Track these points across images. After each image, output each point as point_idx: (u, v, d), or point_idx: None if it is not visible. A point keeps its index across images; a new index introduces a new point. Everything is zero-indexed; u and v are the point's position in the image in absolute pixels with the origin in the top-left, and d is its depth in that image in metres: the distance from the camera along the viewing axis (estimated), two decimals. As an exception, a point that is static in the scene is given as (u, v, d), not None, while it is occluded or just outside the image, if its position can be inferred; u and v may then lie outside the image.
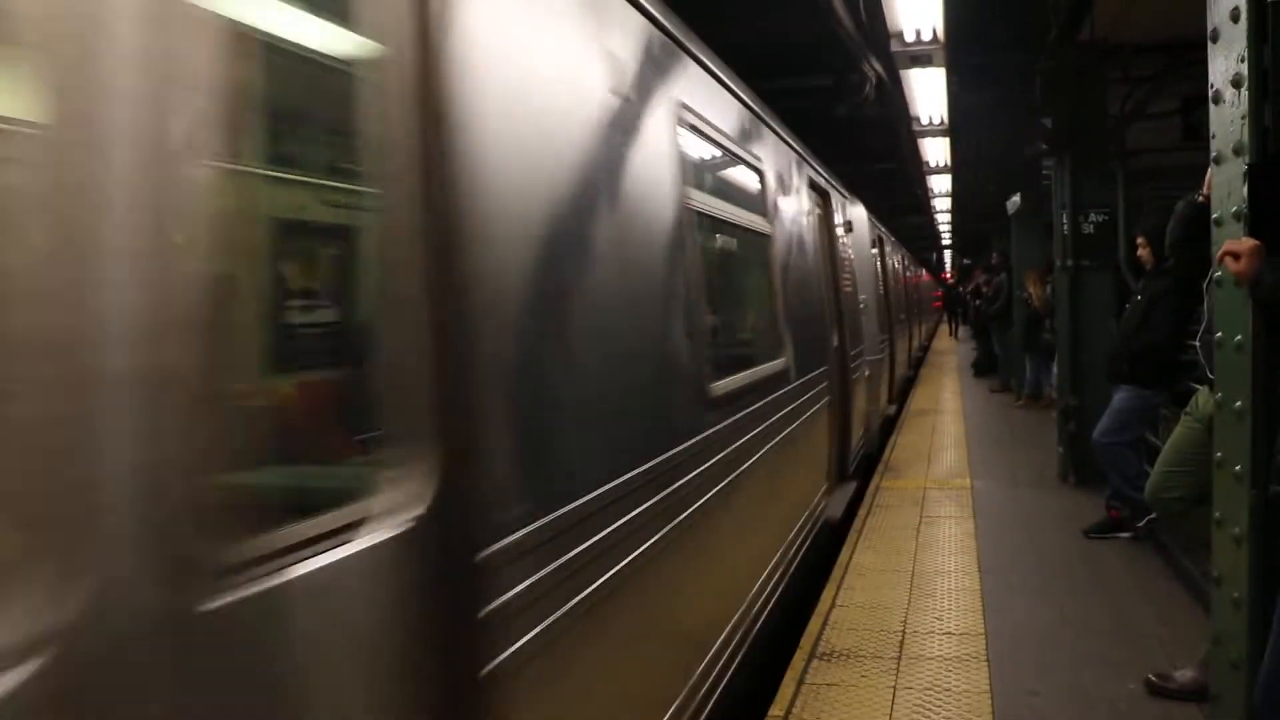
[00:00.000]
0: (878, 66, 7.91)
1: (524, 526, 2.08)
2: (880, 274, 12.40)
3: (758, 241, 5.17)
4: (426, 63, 1.84)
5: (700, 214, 3.76)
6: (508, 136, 2.15)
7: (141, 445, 1.22)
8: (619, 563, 2.61)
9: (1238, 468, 3.13)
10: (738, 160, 4.77)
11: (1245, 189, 3.07)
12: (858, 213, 9.95)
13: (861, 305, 9.11)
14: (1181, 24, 6.19)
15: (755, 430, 4.43)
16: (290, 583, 1.44)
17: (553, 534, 2.22)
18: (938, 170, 14.07)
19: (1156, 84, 8.39)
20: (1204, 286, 3.52)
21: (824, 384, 6.63)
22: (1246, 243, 2.99)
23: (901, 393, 15.05)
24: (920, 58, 6.89)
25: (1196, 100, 3.11)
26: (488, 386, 2.00)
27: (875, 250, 12.18)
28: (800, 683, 4.38)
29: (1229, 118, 3.15)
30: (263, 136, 1.57)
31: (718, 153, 4.41)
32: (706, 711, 3.45)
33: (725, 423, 3.84)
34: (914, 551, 6.39)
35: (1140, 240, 6.22)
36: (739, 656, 4.02)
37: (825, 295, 7.19)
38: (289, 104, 1.86)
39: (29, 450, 1.10)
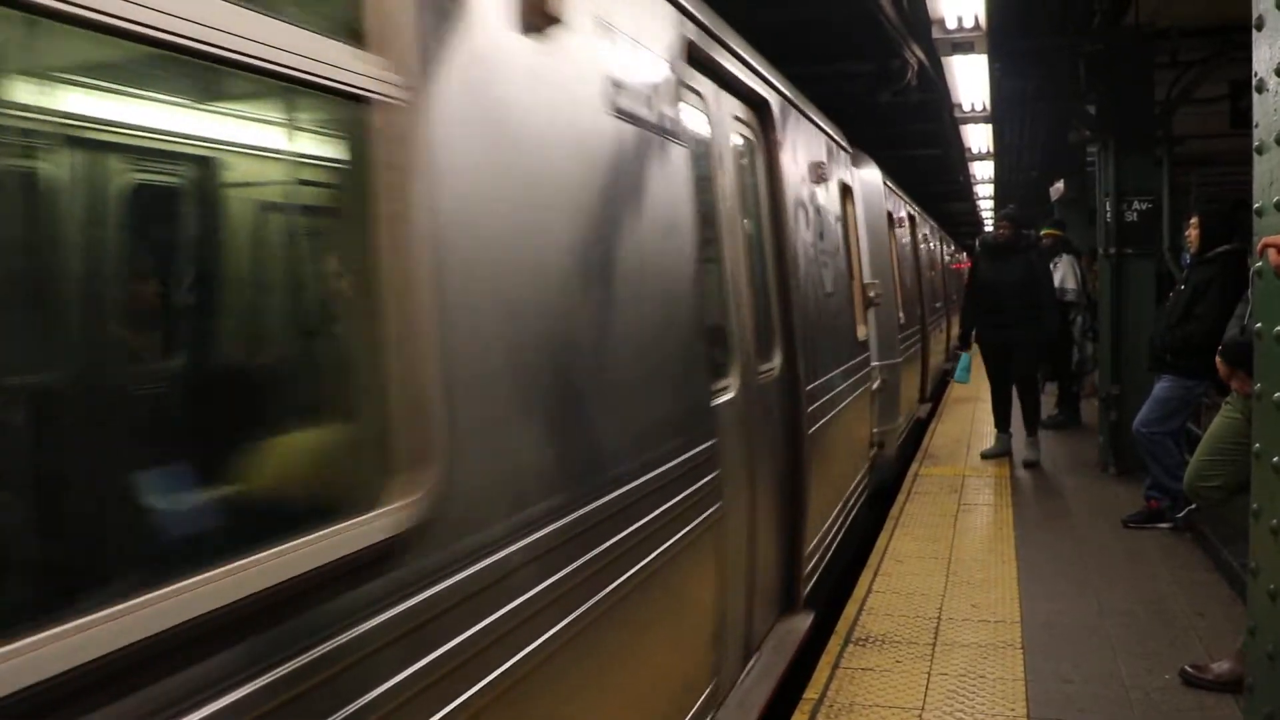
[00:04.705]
0: (919, 53, 7.86)
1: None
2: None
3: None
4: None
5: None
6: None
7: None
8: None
9: (1276, 459, 3.11)
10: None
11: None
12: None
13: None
14: (1229, 7, 6.10)
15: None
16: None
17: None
18: (980, 157, 13.94)
19: (1204, 68, 8.25)
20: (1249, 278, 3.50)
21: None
22: (1287, 234, 2.97)
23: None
24: (962, 45, 6.84)
25: (1245, 85, 3.08)
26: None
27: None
28: (835, 667, 4.43)
29: (1272, 107, 3.12)
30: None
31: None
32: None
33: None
34: (951, 539, 6.39)
35: (1193, 221, 6.14)
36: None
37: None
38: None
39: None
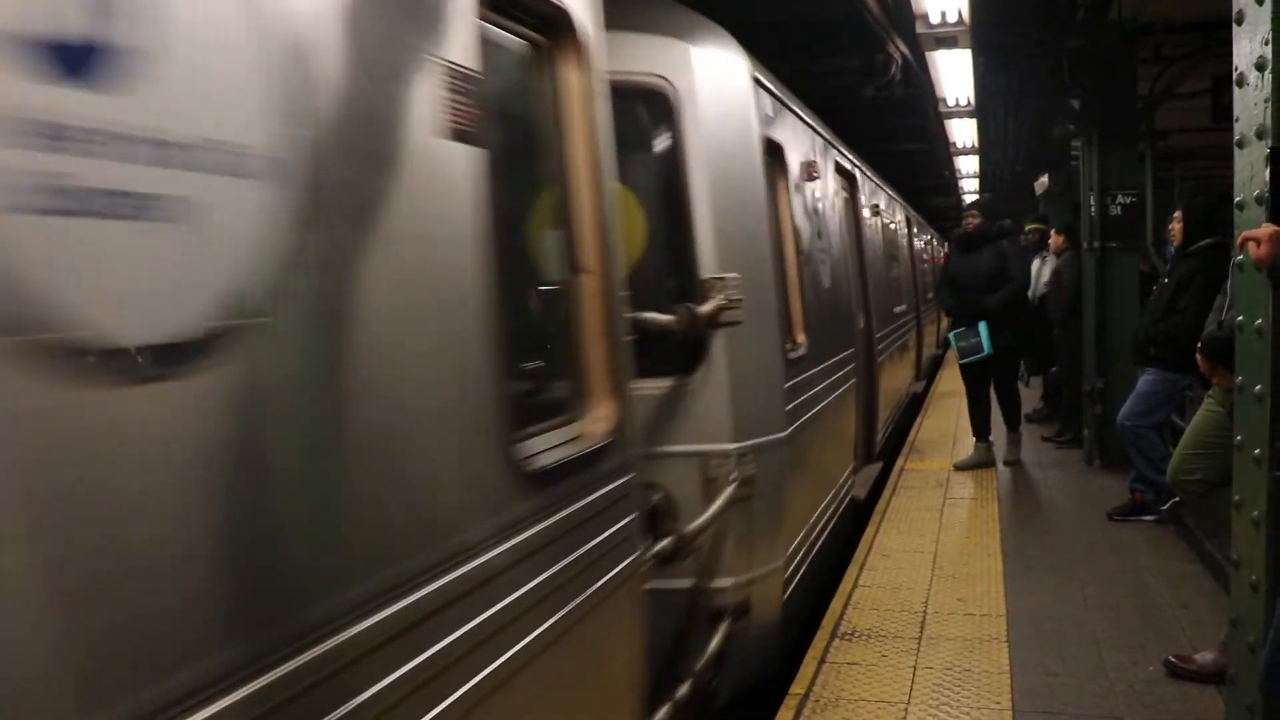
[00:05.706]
0: (904, 48, 7.88)
1: None
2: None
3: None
4: None
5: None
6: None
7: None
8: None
9: (1257, 451, 3.13)
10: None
11: (1267, 173, 3.06)
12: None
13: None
14: (1211, 3, 6.13)
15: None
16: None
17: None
18: (965, 151, 13.99)
19: (1187, 63, 8.30)
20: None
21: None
22: (1267, 229, 2.98)
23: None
24: (945, 39, 6.86)
25: (1227, 80, 3.11)
26: None
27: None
28: (821, 661, 4.44)
29: (1252, 101, 3.13)
30: None
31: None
32: None
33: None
34: (937, 533, 6.42)
35: (1176, 215, 6.17)
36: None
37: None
38: None
39: None
